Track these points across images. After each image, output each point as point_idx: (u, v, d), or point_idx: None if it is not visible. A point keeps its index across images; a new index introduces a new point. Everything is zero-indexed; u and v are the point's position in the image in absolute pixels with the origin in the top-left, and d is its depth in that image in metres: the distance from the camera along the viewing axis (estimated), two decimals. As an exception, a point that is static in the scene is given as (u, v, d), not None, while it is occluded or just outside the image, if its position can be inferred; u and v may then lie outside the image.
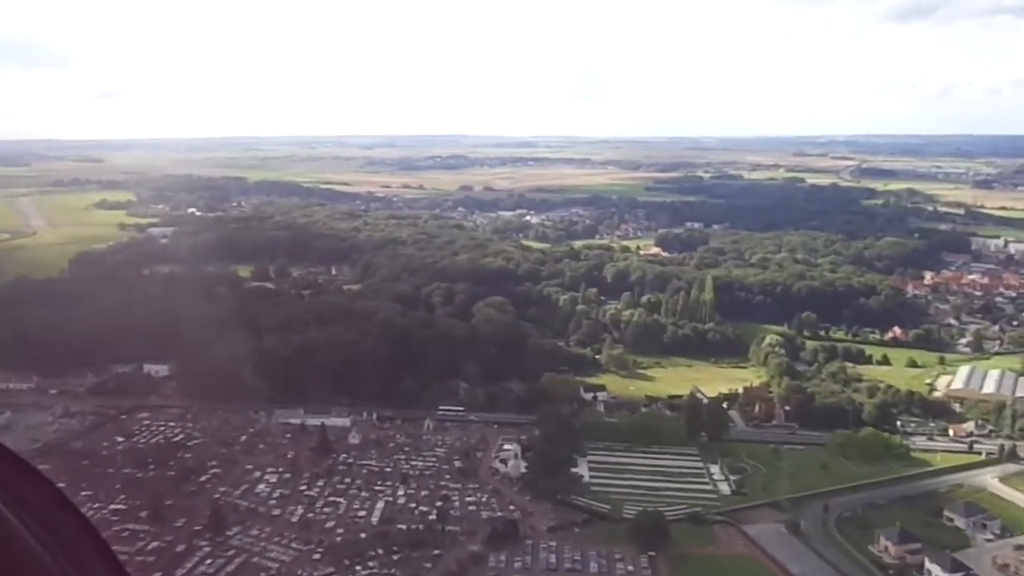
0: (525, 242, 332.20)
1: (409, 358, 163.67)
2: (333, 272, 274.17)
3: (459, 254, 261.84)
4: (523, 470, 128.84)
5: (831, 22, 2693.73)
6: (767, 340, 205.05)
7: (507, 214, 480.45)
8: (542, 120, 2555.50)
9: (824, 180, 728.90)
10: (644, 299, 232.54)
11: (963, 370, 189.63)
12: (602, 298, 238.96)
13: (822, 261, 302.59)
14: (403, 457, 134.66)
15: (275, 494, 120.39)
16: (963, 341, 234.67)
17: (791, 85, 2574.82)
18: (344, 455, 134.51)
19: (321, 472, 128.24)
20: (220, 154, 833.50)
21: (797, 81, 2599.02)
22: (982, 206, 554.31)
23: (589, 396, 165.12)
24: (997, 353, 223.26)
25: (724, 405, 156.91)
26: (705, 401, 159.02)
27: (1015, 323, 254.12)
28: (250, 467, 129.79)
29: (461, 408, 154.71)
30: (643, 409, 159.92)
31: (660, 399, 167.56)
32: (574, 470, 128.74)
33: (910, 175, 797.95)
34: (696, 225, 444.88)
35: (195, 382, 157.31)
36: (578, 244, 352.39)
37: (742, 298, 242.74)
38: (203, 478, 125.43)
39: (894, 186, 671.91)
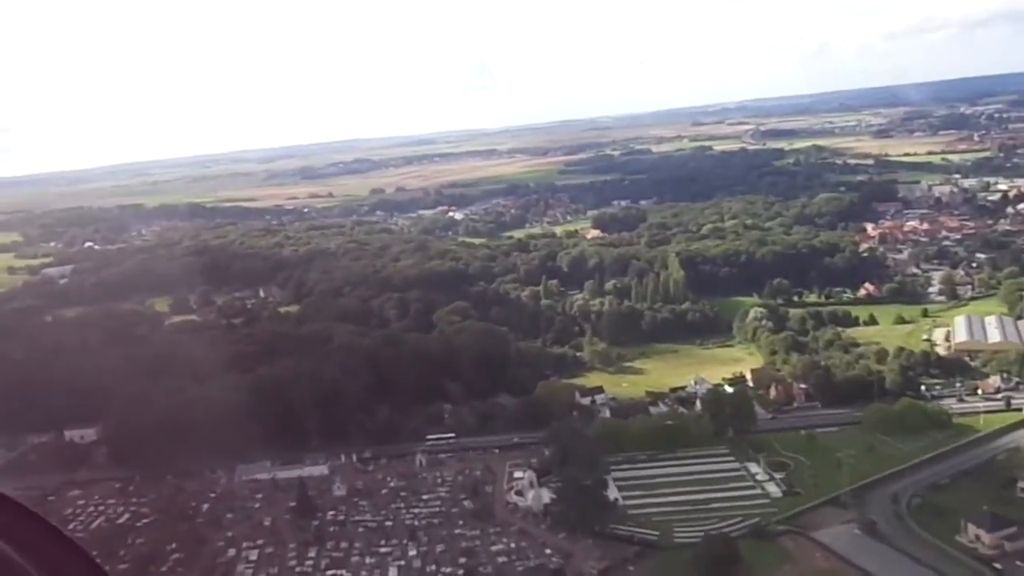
0: (460, 239, 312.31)
1: (380, 384, 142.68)
2: (262, 294, 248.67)
3: (400, 260, 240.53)
4: (546, 501, 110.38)
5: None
6: (751, 315, 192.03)
7: (428, 212, 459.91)
8: (438, 116, 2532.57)
9: (730, 146, 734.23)
10: (609, 285, 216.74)
11: (958, 321, 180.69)
12: (563, 289, 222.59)
13: (771, 224, 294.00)
14: (402, 505, 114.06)
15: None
16: (933, 290, 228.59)
17: (678, 58, 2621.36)
18: (332, 512, 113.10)
19: (310, 538, 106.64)
20: (107, 183, 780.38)
21: (683, 53, 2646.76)
22: (887, 155, 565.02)
23: (587, 401, 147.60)
24: (972, 298, 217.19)
25: (731, 392, 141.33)
26: (723, 390, 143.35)
27: (974, 265, 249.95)
28: (221, 543, 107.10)
29: (452, 435, 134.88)
30: (652, 409, 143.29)
31: (663, 394, 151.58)
32: (605, 492, 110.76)
33: (808, 133, 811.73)
34: (623, 203, 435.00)
35: (131, 445, 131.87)
36: (520, 234, 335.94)
37: (707, 272, 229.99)
38: (164, 567, 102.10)
39: (799, 144, 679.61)
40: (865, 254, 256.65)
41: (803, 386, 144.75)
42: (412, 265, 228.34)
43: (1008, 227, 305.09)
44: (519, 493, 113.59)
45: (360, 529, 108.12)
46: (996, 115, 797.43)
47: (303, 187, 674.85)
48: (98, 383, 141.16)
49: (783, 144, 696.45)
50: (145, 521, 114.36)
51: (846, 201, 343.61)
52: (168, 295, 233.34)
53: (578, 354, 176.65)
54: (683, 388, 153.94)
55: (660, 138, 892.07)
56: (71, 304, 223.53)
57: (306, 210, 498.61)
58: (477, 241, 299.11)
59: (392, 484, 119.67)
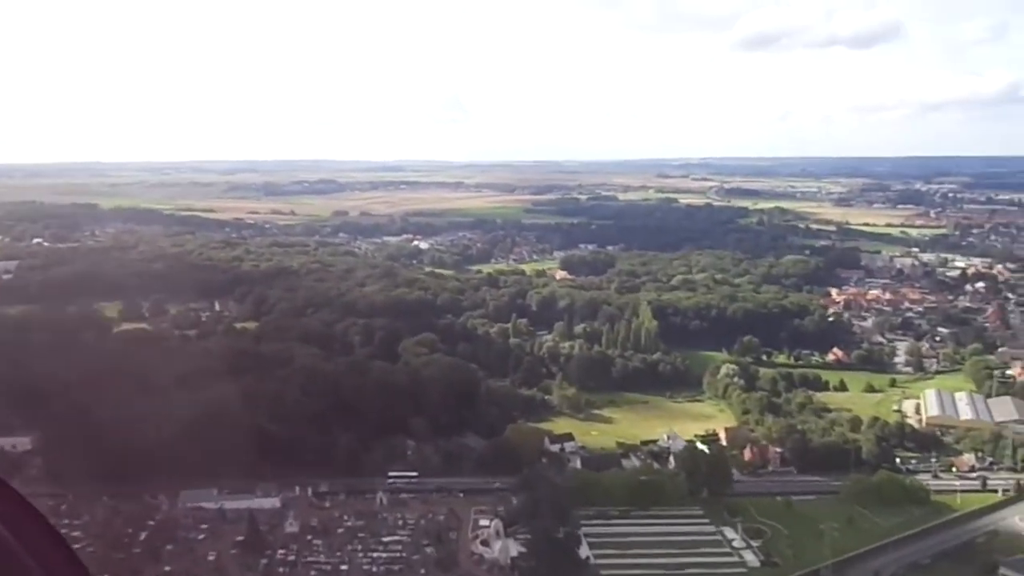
0: (427, 268, 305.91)
1: (342, 413, 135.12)
2: (217, 308, 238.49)
3: (366, 285, 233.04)
4: (514, 554, 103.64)
5: (682, 51, 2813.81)
6: (722, 371, 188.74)
7: (393, 239, 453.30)
8: (406, 144, 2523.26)
9: (695, 200, 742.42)
10: (579, 329, 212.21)
11: (928, 395, 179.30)
12: (532, 328, 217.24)
13: (740, 281, 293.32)
14: (359, 547, 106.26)
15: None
16: (899, 360, 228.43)
17: (647, 111, 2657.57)
18: (283, 550, 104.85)
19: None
20: (62, 180, 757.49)
21: (653, 107, 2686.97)
22: (848, 223, 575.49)
23: (556, 448, 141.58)
24: (938, 372, 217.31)
25: (708, 451, 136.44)
26: (700, 449, 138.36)
27: (938, 339, 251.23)
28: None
29: (414, 473, 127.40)
30: (624, 462, 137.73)
31: (634, 447, 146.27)
32: (577, 549, 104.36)
33: (771, 194, 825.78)
34: (590, 247, 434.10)
35: (68, 460, 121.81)
36: (487, 269, 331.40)
37: (678, 323, 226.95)
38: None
39: (762, 204, 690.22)
40: (831, 319, 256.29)
41: (778, 450, 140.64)
42: (379, 291, 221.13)
43: (968, 304, 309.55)
44: (485, 543, 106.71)
45: (312, 572, 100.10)
46: (950, 194, 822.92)
47: (265, 203, 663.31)
48: (37, 388, 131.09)
49: (747, 203, 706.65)
50: (75, 546, 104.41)
51: (812, 265, 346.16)
52: (119, 300, 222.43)
53: (546, 397, 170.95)
54: (655, 442, 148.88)
55: (626, 186, 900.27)
56: (13, 302, 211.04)
57: (267, 226, 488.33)
58: (446, 272, 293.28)
59: (349, 523, 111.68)
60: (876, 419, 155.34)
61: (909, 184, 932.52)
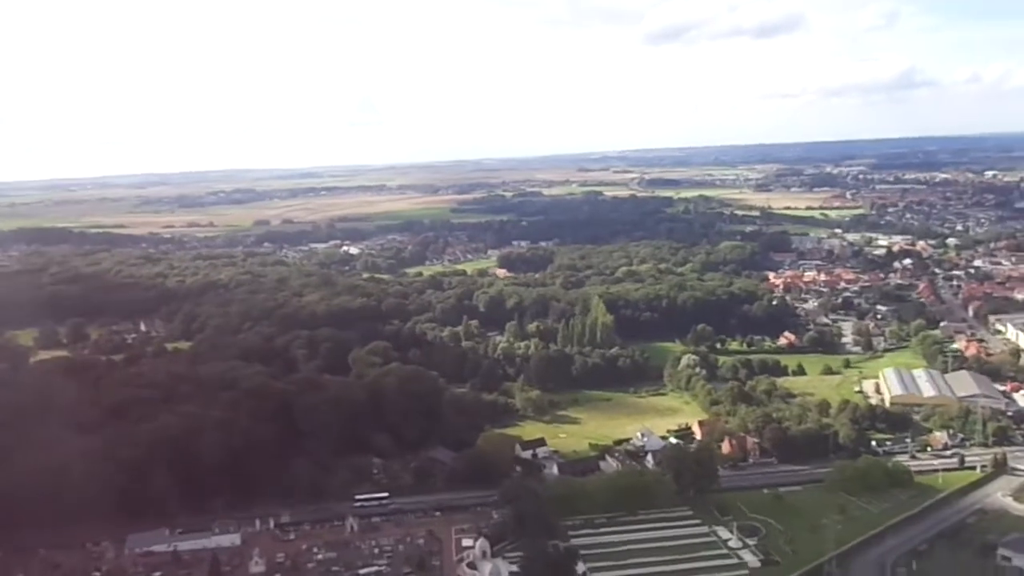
0: (365, 274, 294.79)
1: (297, 436, 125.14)
2: (143, 328, 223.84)
3: (304, 294, 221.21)
4: None
5: (593, 46, 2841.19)
6: (683, 362, 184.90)
7: (321, 246, 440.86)
8: (321, 150, 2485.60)
9: (620, 192, 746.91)
10: (532, 327, 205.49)
11: (887, 374, 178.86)
12: (482, 330, 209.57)
13: (683, 270, 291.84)
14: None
15: None
16: (847, 340, 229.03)
17: (563, 107, 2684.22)
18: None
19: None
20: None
21: (569, 102, 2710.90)
22: (771, 207, 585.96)
23: (528, 454, 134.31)
24: (886, 350, 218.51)
25: (693, 449, 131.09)
26: (685, 446, 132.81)
27: (880, 317, 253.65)
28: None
29: (384, 494, 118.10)
30: (602, 464, 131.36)
31: (609, 448, 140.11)
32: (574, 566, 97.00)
33: (691, 183, 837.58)
34: (523, 243, 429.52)
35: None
36: (423, 271, 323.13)
37: (629, 316, 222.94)
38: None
39: (685, 194, 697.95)
40: (775, 302, 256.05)
41: (755, 440, 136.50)
42: (319, 301, 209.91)
43: (899, 281, 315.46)
44: (472, 565, 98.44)
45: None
46: (860, 176, 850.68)
47: (180, 215, 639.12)
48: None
49: (671, 193, 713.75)
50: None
51: (748, 250, 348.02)
52: (33, 327, 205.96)
53: (509, 401, 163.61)
54: (628, 441, 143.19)
55: (549, 182, 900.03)
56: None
57: (186, 239, 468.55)
58: (385, 277, 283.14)
59: (320, 556, 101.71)
60: (846, 402, 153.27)
61: (820, 168, 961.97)
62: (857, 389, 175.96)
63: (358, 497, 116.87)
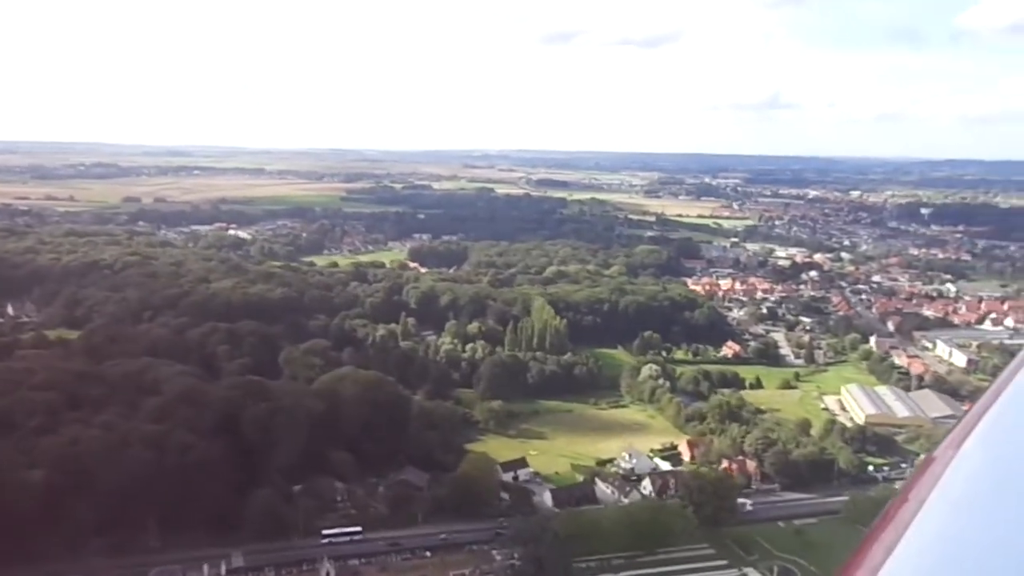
0: (269, 262, 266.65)
1: (245, 453, 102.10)
2: (11, 312, 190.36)
3: (211, 281, 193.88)
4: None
5: (480, 43, 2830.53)
6: (644, 372, 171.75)
7: (204, 228, 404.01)
8: (189, 128, 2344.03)
9: (512, 190, 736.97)
10: (473, 329, 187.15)
11: (852, 391, 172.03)
12: (417, 329, 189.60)
13: (611, 272, 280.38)
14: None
15: None
16: (783, 351, 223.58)
17: (447, 102, 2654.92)
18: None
19: None
20: None
21: (452, 98, 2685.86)
22: (664, 214, 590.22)
23: (509, 477, 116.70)
24: (828, 363, 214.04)
25: (712, 475, 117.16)
26: (704, 472, 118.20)
27: (808, 329, 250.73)
28: None
29: (356, 529, 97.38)
30: (597, 490, 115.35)
31: (598, 471, 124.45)
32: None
33: (579, 186, 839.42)
34: (425, 236, 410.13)
35: None
36: (324, 261, 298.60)
37: (570, 319, 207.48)
38: None
39: (578, 195, 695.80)
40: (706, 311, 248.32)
41: (757, 466, 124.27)
42: (232, 289, 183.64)
43: (812, 292, 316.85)
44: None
45: None
46: (739, 188, 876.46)
47: (34, 187, 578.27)
48: None
49: (564, 194, 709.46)
50: None
51: (664, 255, 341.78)
52: None
53: (467, 412, 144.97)
54: (612, 461, 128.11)
55: (437, 176, 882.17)
56: None
57: (46, 213, 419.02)
58: (298, 266, 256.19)
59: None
60: (832, 422, 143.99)
61: (699, 178, 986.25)
62: (823, 407, 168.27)
63: (325, 532, 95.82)
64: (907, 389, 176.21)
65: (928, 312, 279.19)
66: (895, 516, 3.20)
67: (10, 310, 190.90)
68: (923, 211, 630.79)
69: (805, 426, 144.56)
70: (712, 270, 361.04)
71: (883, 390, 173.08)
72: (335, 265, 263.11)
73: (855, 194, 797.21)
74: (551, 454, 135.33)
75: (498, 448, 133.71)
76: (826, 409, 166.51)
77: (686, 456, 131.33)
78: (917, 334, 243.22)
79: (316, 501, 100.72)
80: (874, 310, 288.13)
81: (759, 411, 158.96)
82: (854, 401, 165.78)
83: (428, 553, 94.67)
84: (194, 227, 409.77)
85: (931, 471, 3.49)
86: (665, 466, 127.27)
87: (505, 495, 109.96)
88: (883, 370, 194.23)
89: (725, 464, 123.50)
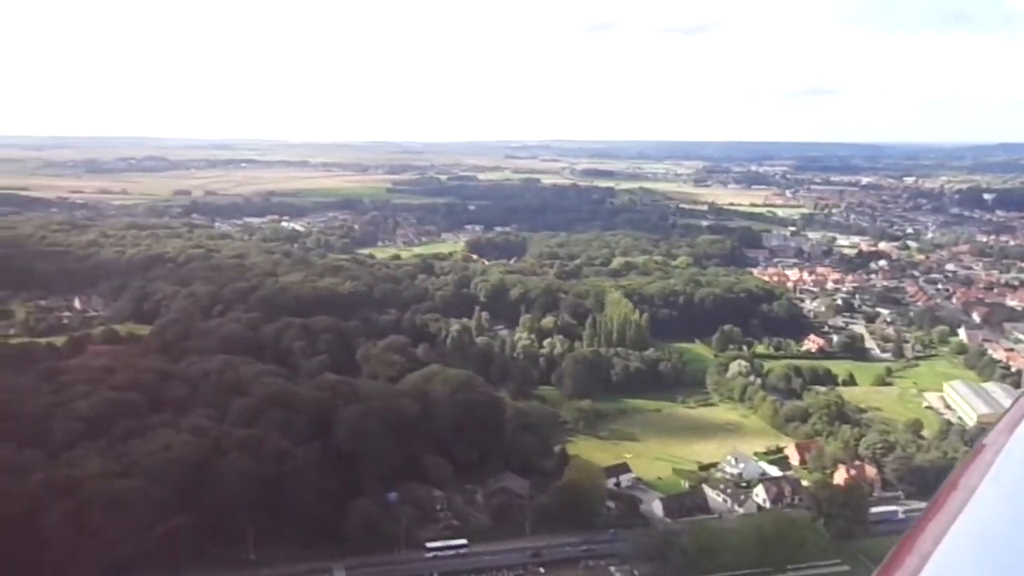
0: (329, 255, 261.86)
1: (340, 459, 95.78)
2: (78, 305, 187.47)
3: (279, 275, 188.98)
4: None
5: (518, 33, 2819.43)
6: (732, 368, 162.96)
7: (257, 220, 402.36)
8: (232, 122, 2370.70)
9: (559, 180, 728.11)
10: (547, 323, 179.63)
11: (957, 388, 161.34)
12: (490, 323, 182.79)
13: (678, 263, 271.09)
14: None
15: None
16: (869, 345, 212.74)
17: (486, 92, 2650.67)
18: None
19: None
20: None
21: (492, 89, 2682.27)
22: (716, 203, 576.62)
23: (613, 483, 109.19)
24: (918, 357, 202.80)
25: (840, 484, 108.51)
26: (834, 483, 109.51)
27: (889, 321, 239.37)
28: None
29: (462, 543, 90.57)
30: (715, 497, 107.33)
31: (704, 477, 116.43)
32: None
33: (623, 175, 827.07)
34: (477, 228, 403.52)
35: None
36: (382, 253, 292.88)
37: (645, 312, 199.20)
38: None
39: (625, 185, 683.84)
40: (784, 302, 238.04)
41: (878, 471, 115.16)
42: (301, 283, 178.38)
43: (884, 282, 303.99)
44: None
45: None
46: (788, 176, 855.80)
47: (88, 180, 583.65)
48: None
49: (611, 183, 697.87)
50: None
51: (728, 245, 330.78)
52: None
53: (554, 410, 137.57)
54: (716, 466, 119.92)
55: (479, 167, 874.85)
56: None
57: (102, 206, 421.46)
58: (369, 259, 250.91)
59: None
60: (949, 423, 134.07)
61: (744, 166, 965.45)
62: (925, 405, 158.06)
63: (430, 546, 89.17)
64: (1016, 386, 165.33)
65: (1012, 302, 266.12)
66: (944, 504, 3.47)
67: (77, 304, 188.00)
68: (986, 197, 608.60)
69: (916, 427, 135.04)
70: (776, 260, 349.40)
71: (991, 387, 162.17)
72: (397, 257, 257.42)
73: (909, 180, 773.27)
74: (647, 457, 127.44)
75: (590, 450, 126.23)
76: (930, 408, 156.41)
77: (794, 460, 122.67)
78: (1008, 325, 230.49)
79: (415, 510, 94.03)
80: (955, 300, 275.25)
81: (860, 410, 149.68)
82: (960, 399, 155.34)
83: (542, 569, 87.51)
84: (247, 219, 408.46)
85: (982, 458, 3.66)
86: (773, 471, 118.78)
87: (611, 503, 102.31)
88: (983, 365, 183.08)
89: (842, 470, 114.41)
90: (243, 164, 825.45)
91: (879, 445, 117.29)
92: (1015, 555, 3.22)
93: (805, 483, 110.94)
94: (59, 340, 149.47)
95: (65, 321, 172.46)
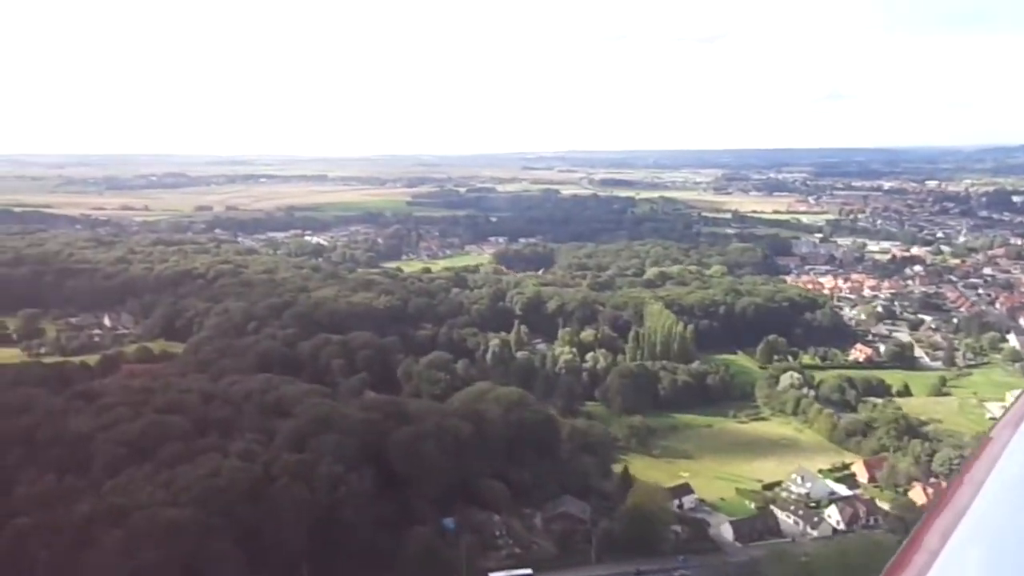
0: (359, 268, 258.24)
1: (393, 484, 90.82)
2: (108, 323, 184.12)
3: (311, 289, 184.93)
4: None
5: (530, 43, 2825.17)
6: (784, 381, 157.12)
7: (280, 235, 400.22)
8: (247, 138, 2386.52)
9: (578, 191, 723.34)
10: (586, 336, 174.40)
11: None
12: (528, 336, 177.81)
13: (712, 272, 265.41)
14: None
15: None
16: (918, 354, 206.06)
17: (497, 105, 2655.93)
18: None
19: None
20: None
21: (504, 101, 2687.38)
22: (739, 211, 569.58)
23: (675, 505, 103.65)
24: (970, 365, 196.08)
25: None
26: (911, 501, 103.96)
27: (934, 328, 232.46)
28: None
29: (527, 572, 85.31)
30: (786, 519, 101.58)
31: (764, 494, 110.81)
32: None
33: (642, 184, 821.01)
34: (501, 240, 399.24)
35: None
36: (410, 267, 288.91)
37: (686, 323, 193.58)
38: None
39: (645, 194, 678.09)
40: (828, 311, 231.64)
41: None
42: (335, 298, 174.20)
43: (922, 288, 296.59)
44: None
45: None
46: (808, 182, 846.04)
47: (110, 198, 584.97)
48: None
49: (630, 193, 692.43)
50: None
51: (759, 253, 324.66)
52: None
53: (607, 428, 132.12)
54: (780, 484, 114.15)
55: (497, 179, 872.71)
56: None
57: (125, 222, 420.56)
58: (400, 273, 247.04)
59: None
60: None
61: (763, 174, 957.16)
62: (989, 416, 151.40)
63: (493, 575, 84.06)
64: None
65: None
66: (952, 499, 3.49)
67: (107, 321, 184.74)
68: (1015, 199, 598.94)
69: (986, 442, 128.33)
70: (808, 267, 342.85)
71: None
72: (428, 271, 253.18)
73: (932, 184, 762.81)
74: (705, 476, 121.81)
75: (644, 469, 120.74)
76: (993, 419, 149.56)
77: (862, 478, 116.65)
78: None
79: (475, 537, 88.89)
80: (998, 305, 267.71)
81: (921, 423, 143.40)
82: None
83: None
84: (270, 234, 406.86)
85: (988, 452, 3.68)
86: (841, 490, 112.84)
87: (677, 527, 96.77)
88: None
89: (918, 488, 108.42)
90: (262, 179, 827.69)
91: (956, 460, 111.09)
92: (1022, 548, 3.09)
93: (880, 503, 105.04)
94: (91, 359, 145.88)
95: (96, 339, 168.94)
